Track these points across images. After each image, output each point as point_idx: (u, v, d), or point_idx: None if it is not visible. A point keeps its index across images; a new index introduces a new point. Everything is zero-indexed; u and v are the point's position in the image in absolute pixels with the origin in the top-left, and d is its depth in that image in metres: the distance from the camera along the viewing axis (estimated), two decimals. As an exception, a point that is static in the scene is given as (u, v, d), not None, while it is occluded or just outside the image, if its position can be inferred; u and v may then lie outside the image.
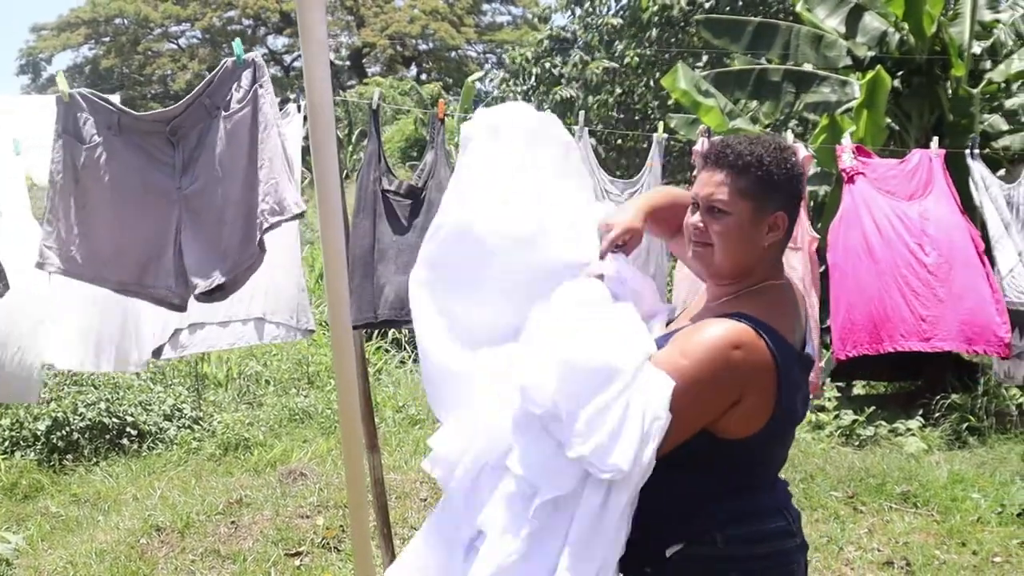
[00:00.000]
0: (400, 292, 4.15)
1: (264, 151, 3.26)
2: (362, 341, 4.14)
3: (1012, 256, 5.43)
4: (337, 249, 3.16)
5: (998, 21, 10.52)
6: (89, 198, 3.29)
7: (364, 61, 38.19)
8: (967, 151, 5.64)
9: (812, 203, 10.26)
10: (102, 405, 7.62)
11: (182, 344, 4.33)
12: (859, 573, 5.19)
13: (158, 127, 3.30)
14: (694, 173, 2.27)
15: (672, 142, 9.01)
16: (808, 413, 8.52)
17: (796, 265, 5.01)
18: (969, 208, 5.57)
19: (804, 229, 5.11)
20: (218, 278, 3.33)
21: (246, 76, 3.26)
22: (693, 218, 2.26)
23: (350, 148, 21.73)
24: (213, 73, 3.30)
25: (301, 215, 3.41)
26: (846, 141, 5.44)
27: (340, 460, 6.94)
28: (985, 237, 5.50)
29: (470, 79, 18.66)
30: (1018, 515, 5.93)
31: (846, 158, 5.35)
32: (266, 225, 3.29)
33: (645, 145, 14.64)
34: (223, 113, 3.27)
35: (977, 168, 5.58)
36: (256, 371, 9.50)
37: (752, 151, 2.20)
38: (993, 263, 5.35)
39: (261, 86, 3.24)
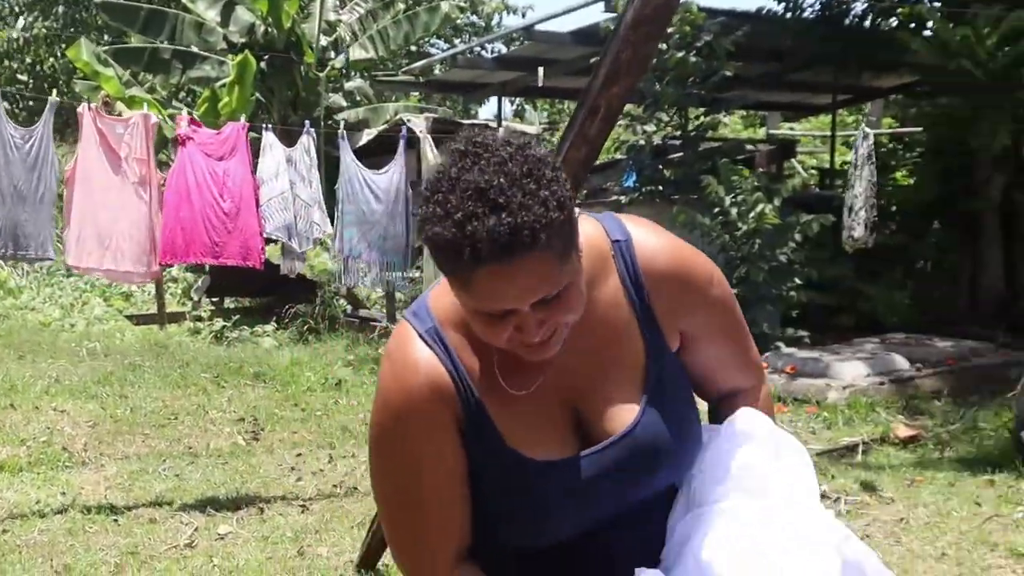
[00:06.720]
0: None
1: None
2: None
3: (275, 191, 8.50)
4: None
5: (341, 21, 13.35)
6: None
7: None
8: (303, 128, 8.44)
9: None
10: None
11: None
12: (220, 427, 6.59)
13: None
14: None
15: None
16: (188, 323, 10.74)
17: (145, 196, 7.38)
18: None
19: (153, 171, 7.45)
20: None
21: None
22: (516, 333, 1.31)
23: None
24: None
25: None
26: (183, 115, 7.97)
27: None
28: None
29: None
30: (335, 385, 7.92)
31: (183, 126, 7.92)
32: None
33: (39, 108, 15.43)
34: None
35: (309, 142, 8.48)
36: None
37: (527, 201, 1.20)
38: (257, 200, 8.17)
39: None
